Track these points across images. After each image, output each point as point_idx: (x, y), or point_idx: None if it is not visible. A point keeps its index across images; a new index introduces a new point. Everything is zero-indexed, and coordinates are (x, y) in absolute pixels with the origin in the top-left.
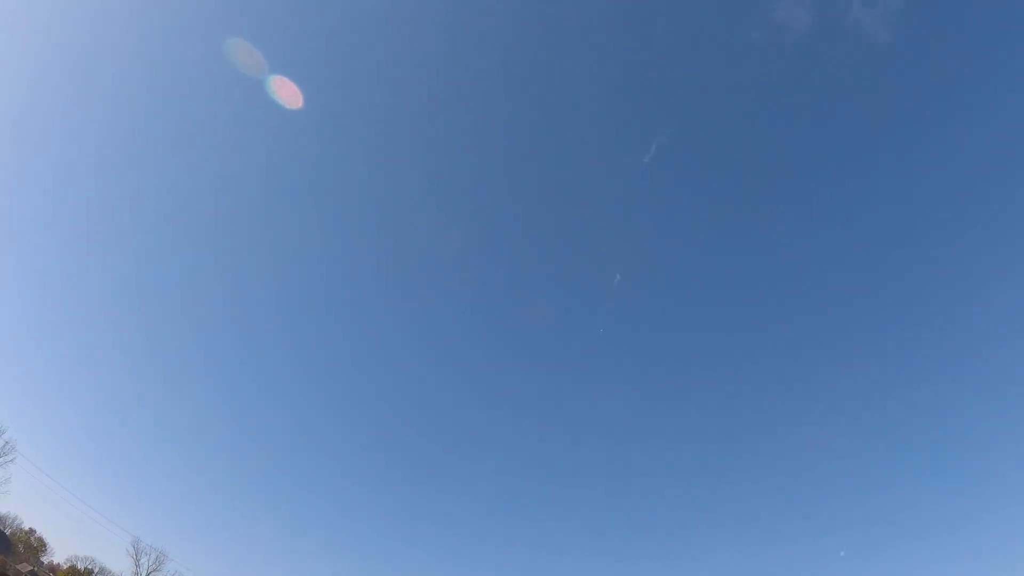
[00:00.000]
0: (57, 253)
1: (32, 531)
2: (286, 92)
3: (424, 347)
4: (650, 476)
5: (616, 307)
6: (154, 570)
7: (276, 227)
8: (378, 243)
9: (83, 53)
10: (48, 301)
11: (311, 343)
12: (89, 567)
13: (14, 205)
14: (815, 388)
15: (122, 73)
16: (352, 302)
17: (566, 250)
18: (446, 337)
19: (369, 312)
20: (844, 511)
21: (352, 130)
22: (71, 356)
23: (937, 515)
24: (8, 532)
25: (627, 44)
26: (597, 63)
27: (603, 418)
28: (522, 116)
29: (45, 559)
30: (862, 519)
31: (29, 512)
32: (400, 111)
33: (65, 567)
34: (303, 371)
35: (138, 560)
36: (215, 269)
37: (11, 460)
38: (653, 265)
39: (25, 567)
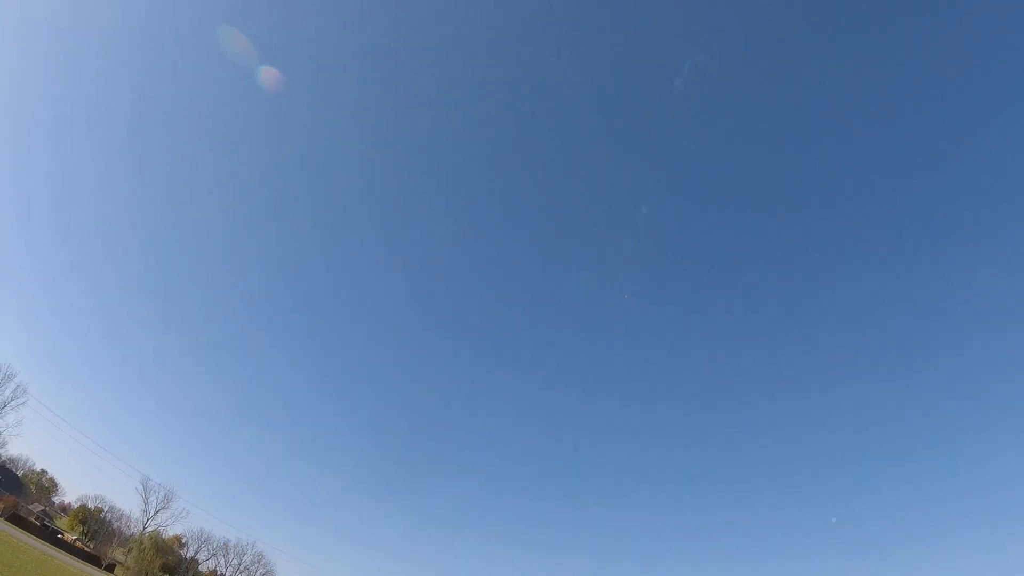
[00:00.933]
0: (61, 218)
1: (43, 472)
2: (274, 82)
3: (437, 311)
4: (657, 444)
5: (642, 242)
6: (162, 508)
7: (279, 210)
8: (388, 217)
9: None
10: (58, 249)
11: (323, 309)
12: (99, 506)
13: (15, 180)
14: (829, 361)
15: (114, 59)
16: (360, 277)
17: (590, 180)
18: (456, 300)
19: (378, 283)
20: (838, 481)
21: (370, 85)
22: (84, 302)
23: (925, 488)
24: (20, 474)
25: None
26: None
27: (617, 375)
28: (545, 38)
29: (56, 499)
30: (854, 489)
31: (40, 454)
32: (417, 55)
33: (76, 506)
34: (312, 330)
35: (147, 498)
36: (216, 232)
37: (23, 403)
38: (684, 195)
39: (37, 507)
